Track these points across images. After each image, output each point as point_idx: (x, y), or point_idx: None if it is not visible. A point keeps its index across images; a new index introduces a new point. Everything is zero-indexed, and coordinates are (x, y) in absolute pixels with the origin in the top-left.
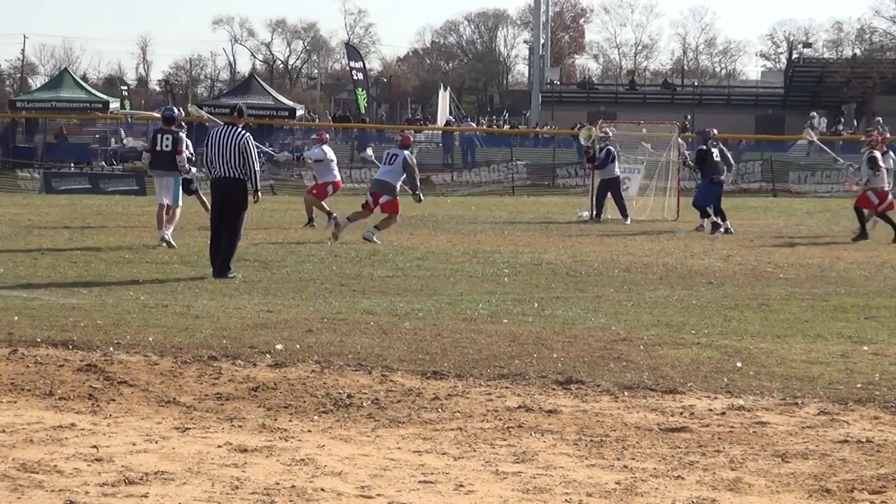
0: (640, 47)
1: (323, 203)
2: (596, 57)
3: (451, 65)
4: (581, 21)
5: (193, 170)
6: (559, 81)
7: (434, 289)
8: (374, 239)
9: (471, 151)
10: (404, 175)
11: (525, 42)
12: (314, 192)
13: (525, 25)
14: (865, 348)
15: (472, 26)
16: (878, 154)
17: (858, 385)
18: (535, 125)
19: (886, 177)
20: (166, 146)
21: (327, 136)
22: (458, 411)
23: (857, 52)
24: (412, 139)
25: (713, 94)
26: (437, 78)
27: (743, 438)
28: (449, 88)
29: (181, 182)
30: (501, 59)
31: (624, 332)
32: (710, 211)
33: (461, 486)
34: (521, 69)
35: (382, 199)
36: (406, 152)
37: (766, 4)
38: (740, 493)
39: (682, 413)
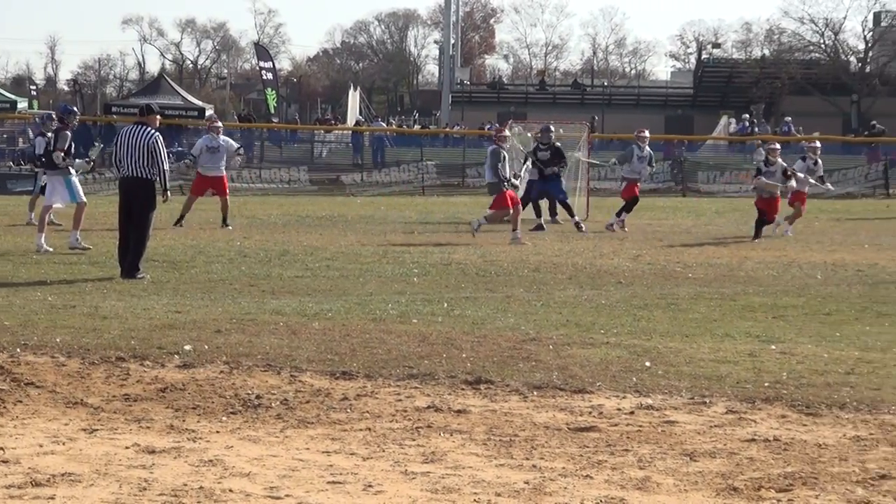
0: (550, 47)
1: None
2: (506, 57)
3: (361, 65)
4: (491, 21)
5: (72, 169)
6: (469, 81)
7: (343, 289)
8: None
9: (381, 151)
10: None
11: (435, 42)
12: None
13: (435, 25)
14: (773, 347)
15: (383, 26)
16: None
17: (766, 384)
18: (445, 125)
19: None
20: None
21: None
22: (367, 411)
23: (766, 52)
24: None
25: (623, 94)
26: (348, 78)
27: (651, 437)
28: (359, 88)
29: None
30: (412, 59)
31: (533, 332)
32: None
33: (370, 486)
34: (431, 69)
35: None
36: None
37: (676, 5)
38: (649, 492)
39: (590, 412)
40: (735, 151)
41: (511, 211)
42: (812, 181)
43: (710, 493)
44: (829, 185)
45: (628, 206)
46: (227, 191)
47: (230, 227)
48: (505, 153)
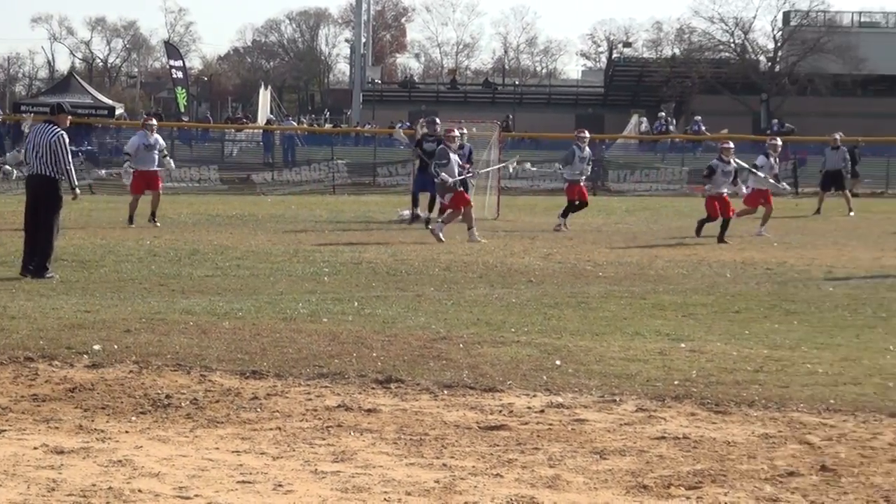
0: (461, 46)
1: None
2: (417, 56)
3: (272, 63)
4: (402, 20)
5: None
6: (380, 80)
7: (254, 288)
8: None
9: (291, 150)
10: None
11: (346, 41)
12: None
13: (346, 24)
14: (683, 346)
15: (294, 25)
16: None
17: (676, 382)
18: (356, 124)
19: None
20: None
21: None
22: (278, 411)
23: (677, 51)
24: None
25: (534, 93)
26: (259, 76)
27: (561, 436)
28: (270, 87)
29: None
30: (323, 57)
31: (444, 331)
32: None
33: (280, 485)
34: (342, 68)
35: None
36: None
37: (587, 4)
38: (559, 491)
39: (501, 411)
40: (645, 150)
41: (463, 211)
42: (770, 180)
43: (620, 491)
44: (784, 185)
45: (571, 208)
46: (161, 188)
47: (158, 224)
48: (452, 154)
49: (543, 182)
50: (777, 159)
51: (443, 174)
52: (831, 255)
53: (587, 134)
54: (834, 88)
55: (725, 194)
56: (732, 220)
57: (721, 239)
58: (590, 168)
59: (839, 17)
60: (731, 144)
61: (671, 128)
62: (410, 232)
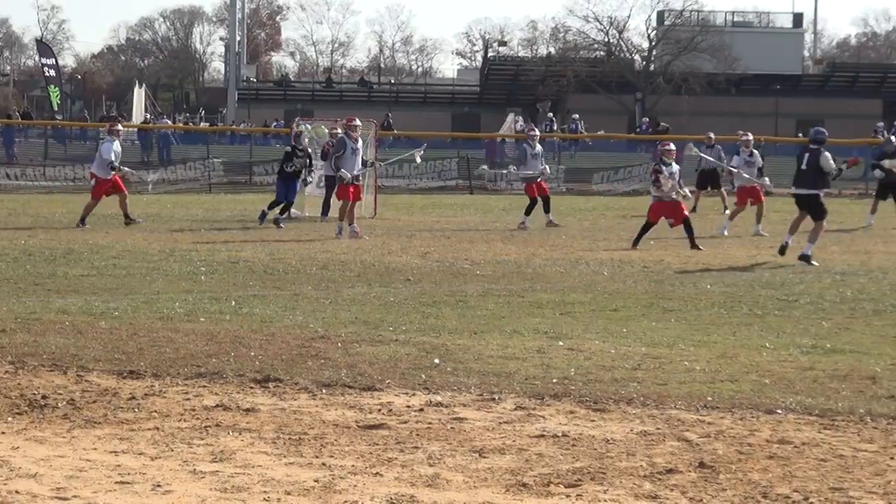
0: (336, 45)
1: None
2: (293, 54)
3: (146, 61)
4: (277, 18)
5: None
6: (256, 79)
7: (130, 287)
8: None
9: (167, 149)
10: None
11: (221, 39)
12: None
13: (221, 22)
14: (561, 343)
15: (168, 23)
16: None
17: (554, 380)
18: (231, 123)
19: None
20: None
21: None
22: (156, 411)
23: (552, 50)
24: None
25: (410, 91)
26: (133, 75)
27: (441, 434)
28: (144, 85)
29: None
30: (197, 56)
31: (322, 330)
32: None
33: (158, 486)
34: (217, 66)
35: None
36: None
37: (462, 3)
38: (438, 489)
39: (380, 410)
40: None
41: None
42: (745, 175)
43: (500, 490)
44: (766, 180)
45: (532, 205)
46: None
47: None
48: (352, 146)
49: (420, 181)
50: (752, 153)
51: (342, 171)
52: (708, 254)
53: (537, 132)
54: (708, 87)
55: (678, 198)
56: (691, 222)
57: (693, 244)
58: (544, 164)
59: (712, 17)
60: (673, 146)
61: (553, 127)
62: (287, 230)
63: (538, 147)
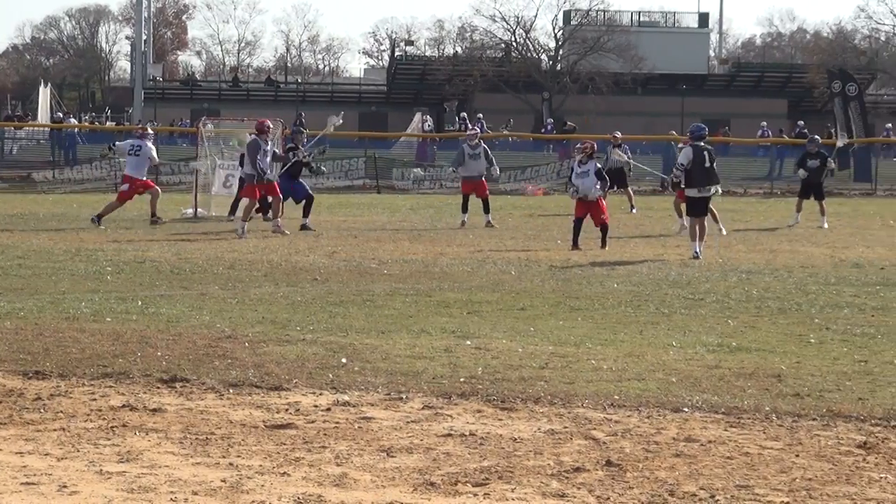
0: (243, 44)
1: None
2: (199, 53)
3: (52, 60)
4: (184, 17)
5: None
6: (162, 78)
7: (36, 287)
8: None
9: (73, 148)
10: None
11: (127, 38)
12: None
13: (127, 21)
14: (468, 343)
15: (73, 22)
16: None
17: (462, 379)
18: (137, 122)
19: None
20: None
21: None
22: (62, 411)
23: (459, 50)
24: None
25: (317, 91)
26: (38, 74)
27: (348, 434)
28: (50, 85)
29: None
30: (103, 55)
31: (229, 330)
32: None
33: (65, 486)
34: (123, 65)
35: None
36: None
37: (369, 2)
38: (346, 489)
39: (287, 409)
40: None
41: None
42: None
43: (408, 489)
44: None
45: (466, 203)
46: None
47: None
48: (264, 147)
49: (327, 180)
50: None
51: (268, 172)
52: (615, 253)
53: (477, 130)
54: (614, 87)
55: (599, 197)
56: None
57: (603, 244)
58: (484, 164)
59: (619, 17)
60: (591, 144)
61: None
62: (194, 230)
63: (481, 147)
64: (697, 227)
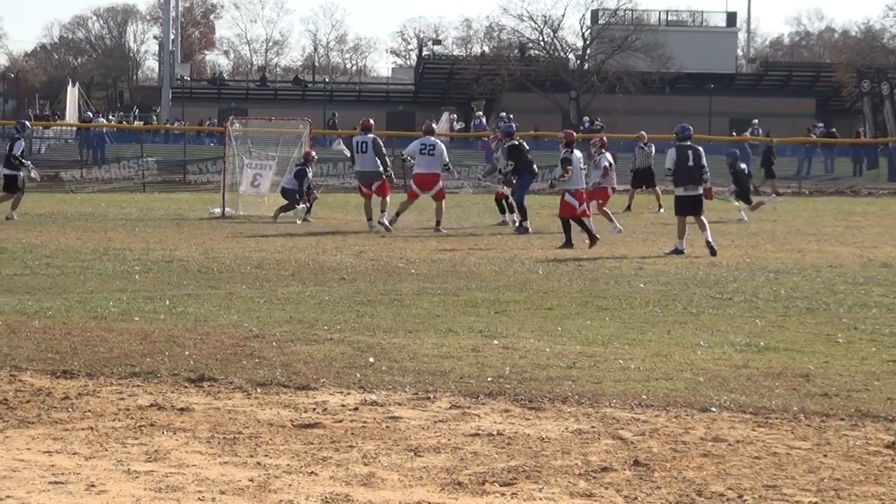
0: (270, 43)
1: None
2: (227, 53)
3: (80, 60)
4: (211, 17)
5: None
6: (190, 77)
7: (64, 287)
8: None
9: (101, 148)
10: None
11: (155, 37)
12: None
13: (155, 21)
14: (496, 342)
15: (101, 21)
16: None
17: (489, 379)
18: (165, 121)
19: (581, 177)
20: None
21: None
22: (89, 410)
23: (486, 49)
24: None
25: (344, 90)
26: (66, 73)
27: (376, 433)
28: (78, 84)
29: None
30: (131, 54)
31: (256, 329)
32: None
33: (93, 486)
34: (151, 65)
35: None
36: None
37: (397, 2)
38: (373, 488)
39: (315, 409)
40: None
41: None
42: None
43: (435, 488)
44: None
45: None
46: None
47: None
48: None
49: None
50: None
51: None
52: (642, 252)
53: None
54: (642, 86)
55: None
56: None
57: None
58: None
59: (646, 16)
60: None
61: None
62: (221, 229)
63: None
64: (695, 226)
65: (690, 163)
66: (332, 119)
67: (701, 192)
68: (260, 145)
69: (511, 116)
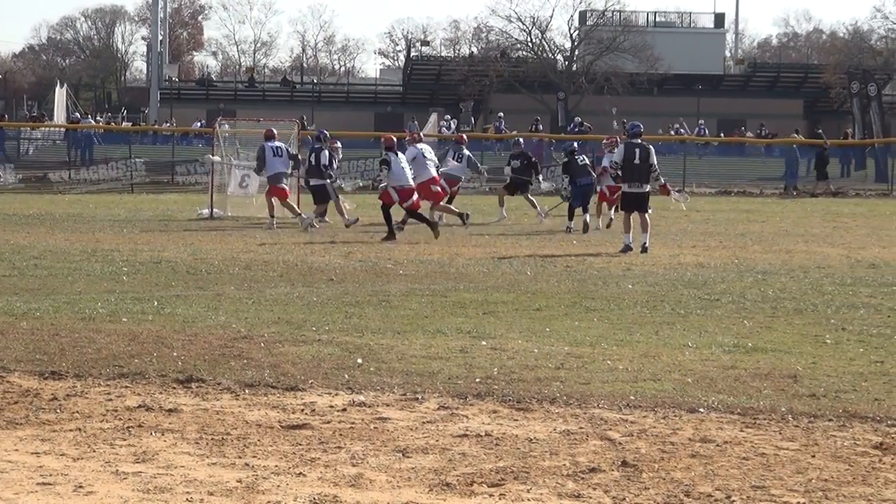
0: (259, 44)
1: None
2: (215, 54)
3: (68, 61)
4: (199, 17)
5: None
6: (178, 78)
7: (52, 288)
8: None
9: (89, 149)
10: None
11: (143, 38)
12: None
13: (143, 22)
14: (484, 343)
15: (90, 22)
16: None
17: (477, 379)
18: (153, 122)
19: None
20: None
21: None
22: (77, 412)
23: (474, 50)
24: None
25: (333, 91)
26: (54, 74)
27: (364, 434)
28: (66, 85)
29: None
30: (119, 55)
31: (245, 330)
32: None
33: (81, 487)
34: (139, 66)
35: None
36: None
37: (385, 3)
38: (362, 489)
39: (303, 410)
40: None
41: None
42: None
43: (423, 489)
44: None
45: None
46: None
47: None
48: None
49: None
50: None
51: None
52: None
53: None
54: (630, 87)
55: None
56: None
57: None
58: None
59: (634, 17)
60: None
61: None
62: (209, 230)
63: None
64: (636, 221)
65: (637, 160)
66: (302, 121)
67: (646, 189)
68: (248, 146)
69: (502, 115)
